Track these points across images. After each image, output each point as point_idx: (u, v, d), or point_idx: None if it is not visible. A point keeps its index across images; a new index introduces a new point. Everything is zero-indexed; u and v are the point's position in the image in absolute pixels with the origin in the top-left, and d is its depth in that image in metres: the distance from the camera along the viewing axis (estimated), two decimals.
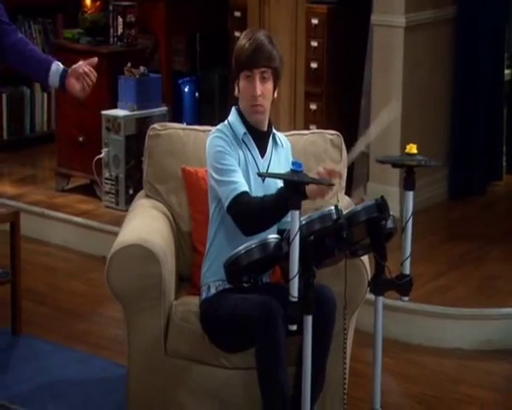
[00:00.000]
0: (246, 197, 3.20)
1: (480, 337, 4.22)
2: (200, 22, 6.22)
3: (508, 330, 4.23)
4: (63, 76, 3.25)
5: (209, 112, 6.11)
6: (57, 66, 3.27)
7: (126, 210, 5.30)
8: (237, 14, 6.03)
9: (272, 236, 2.97)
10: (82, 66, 3.25)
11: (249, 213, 3.20)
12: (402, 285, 2.95)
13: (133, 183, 5.42)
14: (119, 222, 5.24)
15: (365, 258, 3.27)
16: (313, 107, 5.56)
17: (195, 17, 6.12)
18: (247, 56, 3.26)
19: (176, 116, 5.79)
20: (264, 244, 2.90)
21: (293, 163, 2.78)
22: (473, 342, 4.20)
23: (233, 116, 3.37)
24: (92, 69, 3.27)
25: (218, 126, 3.39)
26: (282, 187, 3.08)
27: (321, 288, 3.02)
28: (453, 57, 5.67)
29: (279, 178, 2.94)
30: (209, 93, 6.21)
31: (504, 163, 6.06)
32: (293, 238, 2.71)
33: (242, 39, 3.35)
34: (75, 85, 3.26)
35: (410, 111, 5.33)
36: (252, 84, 3.26)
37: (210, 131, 3.66)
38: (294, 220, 2.72)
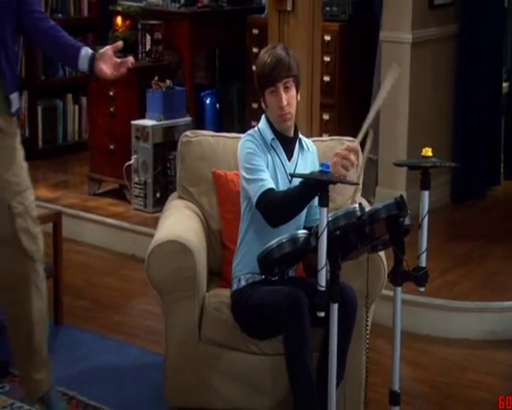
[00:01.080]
0: (272, 193, 3.22)
1: (485, 328, 4.22)
2: (220, 39, 6.24)
3: (511, 321, 4.23)
4: (92, 60, 3.17)
5: (229, 121, 6.12)
6: (86, 50, 3.17)
7: (154, 212, 5.43)
8: (255, 31, 6.06)
9: (301, 231, 3.00)
10: (109, 49, 3.16)
11: (274, 205, 3.19)
12: (419, 277, 2.98)
13: (160, 187, 5.45)
14: (147, 223, 5.31)
15: (382, 254, 3.26)
16: (326, 117, 5.56)
17: (216, 35, 6.14)
18: (269, 74, 3.26)
19: (199, 126, 5.81)
20: (294, 239, 2.93)
21: (322, 164, 2.82)
22: (478, 333, 4.20)
23: (262, 123, 3.38)
24: (127, 59, 3.19)
25: (249, 132, 3.40)
26: (302, 181, 3.10)
27: (345, 288, 3.03)
28: (455, 71, 5.66)
29: (309, 178, 2.96)
30: (228, 104, 6.21)
31: (502, 169, 6.04)
32: (322, 233, 2.74)
33: (262, 57, 3.35)
34: (102, 67, 3.15)
35: (415, 120, 5.34)
36: (277, 96, 3.26)
37: (237, 137, 3.70)
38: (323, 217, 2.74)
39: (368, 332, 3.11)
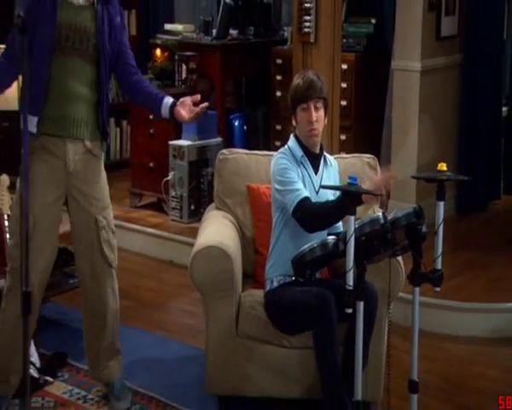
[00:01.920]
0: (308, 202, 3.22)
1: (490, 327, 4.21)
2: (247, 68, 6.22)
3: None
4: (172, 108, 3.28)
5: (255, 142, 6.12)
6: (167, 99, 3.31)
7: (189, 223, 5.46)
8: (279, 61, 6.06)
9: (330, 237, 3.04)
10: (188, 100, 3.28)
11: (312, 213, 3.21)
12: (435, 278, 3.01)
13: (194, 200, 5.47)
14: (183, 232, 5.32)
15: (400, 258, 3.27)
16: (343, 137, 5.53)
17: (243, 64, 6.12)
18: (302, 93, 3.30)
19: (228, 145, 5.79)
20: (324, 244, 2.97)
21: (350, 177, 2.84)
22: (483, 331, 4.20)
23: (292, 142, 3.39)
24: (202, 105, 3.28)
25: (281, 150, 3.42)
26: (339, 196, 3.11)
27: (367, 285, 3.04)
28: (460, 96, 5.66)
29: (340, 189, 3.00)
30: (254, 126, 6.20)
31: (502, 185, 6.01)
32: (349, 238, 2.77)
33: (296, 80, 3.38)
34: (180, 112, 3.26)
35: (424, 141, 5.34)
36: (308, 113, 3.28)
37: (268, 155, 3.75)
38: (350, 224, 2.78)
39: (389, 327, 3.14)
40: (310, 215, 3.21)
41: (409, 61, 5.31)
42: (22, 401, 2.70)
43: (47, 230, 3.21)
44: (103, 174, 3.36)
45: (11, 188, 3.75)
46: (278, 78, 6.07)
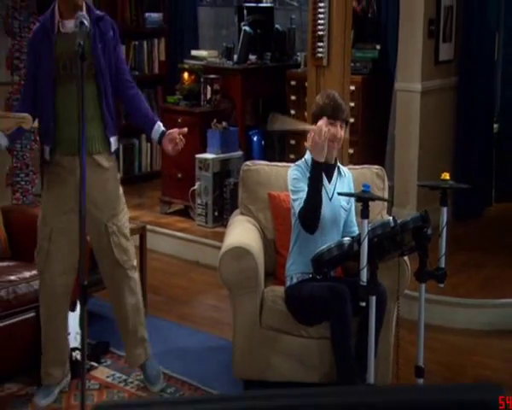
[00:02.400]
0: None
1: (484, 320, 4.22)
2: (265, 89, 6.22)
3: (505, 315, 4.23)
4: (161, 135, 3.26)
5: (271, 155, 6.07)
6: (159, 126, 3.28)
7: (213, 227, 5.45)
8: (293, 83, 6.06)
9: (346, 238, 3.07)
10: (175, 133, 3.24)
11: (303, 211, 3.21)
12: (439, 275, 3.03)
13: (218, 207, 5.47)
14: (208, 236, 5.32)
15: (406, 258, 3.27)
16: (351, 151, 5.50)
17: (261, 85, 6.12)
18: (332, 110, 3.28)
19: (248, 158, 5.77)
20: (340, 244, 3.00)
21: (364, 185, 2.87)
22: (479, 324, 4.20)
23: (308, 155, 3.39)
24: (183, 138, 3.25)
25: (297, 162, 3.44)
26: (308, 186, 3.17)
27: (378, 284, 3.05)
28: (456, 114, 5.64)
29: (354, 196, 3.02)
30: (271, 141, 6.16)
31: (494, 193, 5.98)
32: (363, 240, 2.80)
33: (322, 98, 3.36)
34: (168, 146, 3.26)
35: (424, 154, 5.32)
36: (335, 129, 3.27)
37: (287, 166, 3.73)
38: (364, 227, 2.81)
39: (398, 321, 3.14)
40: (302, 214, 3.22)
41: (410, 83, 5.30)
42: (82, 383, 2.71)
43: (63, 236, 3.18)
44: (114, 183, 3.32)
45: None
46: (292, 98, 6.08)
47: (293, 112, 6.06)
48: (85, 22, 2.75)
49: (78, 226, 2.76)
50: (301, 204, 3.23)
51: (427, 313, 4.04)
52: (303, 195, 3.25)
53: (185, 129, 3.33)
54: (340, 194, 3.22)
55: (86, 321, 2.72)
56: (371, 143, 5.78)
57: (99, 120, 3.19)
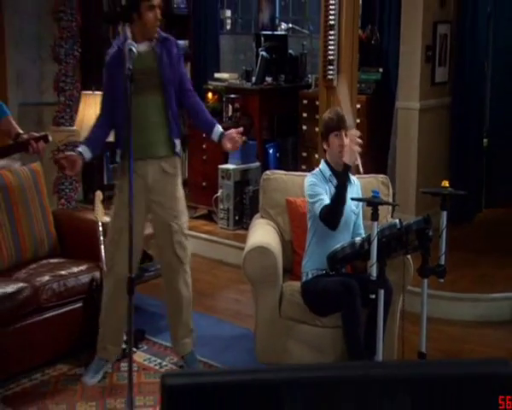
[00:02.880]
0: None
1: (477, 313, 4.23)
2: (280, 107, 6.22)
3: (496, 308, 4.24)
4: (221, 136, 3.39)
5: (286, 165, 6.03)
6: (217, 128, 3.40)
7: (234, 230, 5.47)
8: (305, 101, 6.05)
9: (358, 238, 3.10)
10: (233, 133, 3.38)
11: (328, 211, 3.24)
12: (439, 271, 3.05)
13: (238, 212, 5.50)
14: (229, 237, 5.33)
15: (409, 257, 3.26)
16: (356, 163, 5.56)
17: (276, 104, 6.12)
18: (336, 123, 3.35)
19: (264, 169, 5.77)
20: (352, 243, 3.02)
21: (374, 191, 2.91)
22: (473, 316, 4.21)
23: (322, 165, 3.44)
24: (240, 136, 3.38)
25: (313, 171, 3.47)
26: (336, 188, 3.21)
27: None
28: (450, 130, 5.64)
29: (365, 201, 3.03)
30: (285, 153, 6.19)
31: (483, 200, 5.97)
32: (373, 240, 2.83)
33: (328, 114, 3.42)
34: (227, 144, 3.38)
35: (422, 165, 5.32)
36: (339, 138, 3.34)
37: (302, 175, 3.76)
38: (373, 228, 2.83)
39: (402, 313, 3.16)
40: (326, 212, 3.25)
41: (409, 102, 5.32)
42: (129, 359, 2.76)
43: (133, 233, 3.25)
44: (176, 188, 3.39)
45: (103, 201, 3.81)
46: (304, 115, 6.08)
47: (304, 127, 6.10)
48: (134, 49, 2.84)
49: (136, 226, 2.83)
50: (321, 205, 3.25)
51: (427, 307, 4.06)
52: (321, 198, 3.29)
53: (241, 128, 3.44)
54: (353, 199, 3.23)
55: (132, 309, 2.77)
56: (374, 156, 5.73)
57: (164, 126, 3.27)
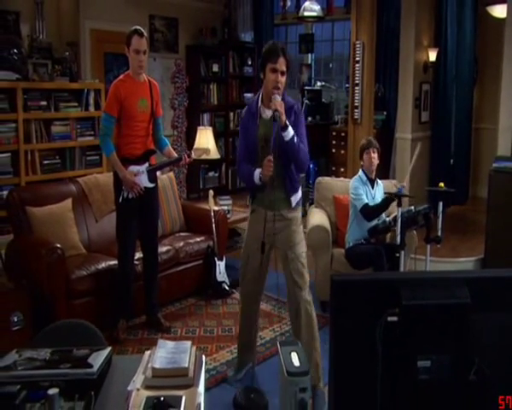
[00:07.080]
0: (367, 205, 3.25)
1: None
2: (317, 137, 6.06)
3: (465, 266, 4.12)
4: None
5: (321, 177, 6.06)
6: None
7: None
8: (334, 133, 6.08)
9: (387, 218, 3.13)
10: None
11: (370, 211, 3.22)
12: (438, 239, 3.08)
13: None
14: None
15: (414, 232, 3.29)
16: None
17: (314, 135, 5.93)
18: (367, 145, 3.25)
19: (308, 179, 5.69)
20: (384, 221, 3.09)
21: (399, 188, 3.02)
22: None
23: (361, 173, 3.38)
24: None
25: (355, 177, 3.36)
26: (383, 198, 3.16)
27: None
28: (430, 153, 5.50)
29: (394, 194, 3.05)
30: (320, 168, 6.12)
31: (470, 193, 5.88)
32: (398, 218, 2.92)
33: (363, 140, 3.36)
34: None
35: (413, 177, 4.99)
36: (369, 155, 3.23)
37: (344, 181, 3.77)
38: (398, 211, 2.91)
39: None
40: (368, 212, 3.23)
41: (404, 134, 5.22)
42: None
43: (255, 259, 2.64)
44: (293, 227, 2.61)
45: (214, 197, 3.84)
46: (333, 142, 6.09)
47: (333, 150, 6.11)
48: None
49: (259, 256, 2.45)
50: (362, 203, 3.20)
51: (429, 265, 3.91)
52: (361, 197, 3.20)
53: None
54: (387, 193, 3.18)
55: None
56: (380, 173, 5.80)
57: (282, 186, 2.54)
